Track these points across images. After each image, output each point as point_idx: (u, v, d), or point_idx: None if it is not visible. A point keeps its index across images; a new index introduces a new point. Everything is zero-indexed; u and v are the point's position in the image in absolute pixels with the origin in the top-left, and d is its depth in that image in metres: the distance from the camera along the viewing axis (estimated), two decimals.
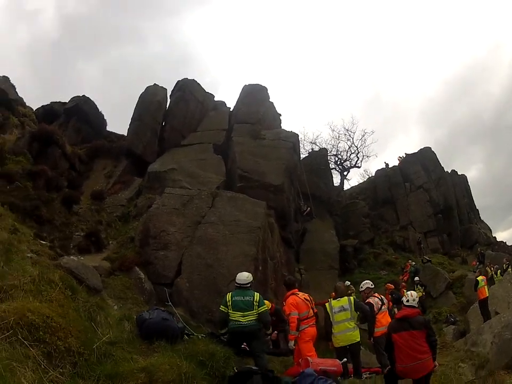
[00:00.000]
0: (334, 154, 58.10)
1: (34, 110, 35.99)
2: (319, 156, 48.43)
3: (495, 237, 61.98)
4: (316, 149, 53.91)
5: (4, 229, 15.81)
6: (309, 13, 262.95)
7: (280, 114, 42.10)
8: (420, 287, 32.40)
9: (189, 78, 39.94)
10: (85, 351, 8.21)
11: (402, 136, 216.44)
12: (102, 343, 9.01)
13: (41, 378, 6.82)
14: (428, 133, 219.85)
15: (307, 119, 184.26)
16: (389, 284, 30.85)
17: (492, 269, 31.03)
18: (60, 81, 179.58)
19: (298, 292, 14.75)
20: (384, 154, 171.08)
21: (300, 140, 42.49)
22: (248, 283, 12.23)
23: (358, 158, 59.34)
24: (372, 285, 16.49)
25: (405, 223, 52.54)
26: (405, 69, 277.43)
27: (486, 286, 24.22)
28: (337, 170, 58.42)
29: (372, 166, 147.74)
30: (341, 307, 13.88)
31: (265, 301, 14.97)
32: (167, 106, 37.40)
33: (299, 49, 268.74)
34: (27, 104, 35.25)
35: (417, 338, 9.40)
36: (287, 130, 36.88)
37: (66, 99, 39.29)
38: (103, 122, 39.16)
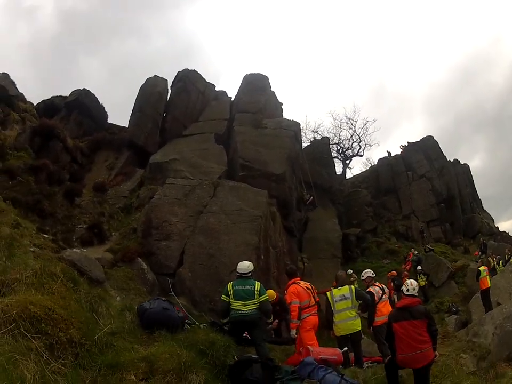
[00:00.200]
0: (336, 143, 58.33)
1: (35, 105, 36.00)
2: (321, 145, 48.39)
3: (497, 227, 61.82)
4: (318, 137, 54.02)
5: (6, 224, 15.86)
6: (312, 1, 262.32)
7: (281, 103, 42.22)
8: (423, 276, 32.45)
9: (189, 69, 39.94)
10: (86, 341, 8.23)
11: (406, 125, 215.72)
12: (103, 333, 9.04)
13: (43, 370, 6.82)
14: (431, 122, 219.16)
15: (309, 108, 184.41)
16: (393, 271, 30.95)
17: (494, 259, 30.93)
18: (62, 76, 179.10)
19: (299, 281, 14.79)
20: (388, 142, 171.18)
21: (301, 128, 42.34)
22: (249, 272, 12.22)
23: (360, 146, 59.64)
24: (373, 273, 16.35)
25: (407, 212, 52.42)
26: (408, 58, 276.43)
27: (488, 276, 24.12)
28: (339, 159, 58.60)
29: (374, 155, 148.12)
30: (342, 296, 13.75)
31: (270, 291, 15.14)
32: (168, 97, 37.43)
33: (302, 38, 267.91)
34: (28, 100, 35.31)
35: (417, 328, 9.34)
36: (289, 119, 36.90)
37: (67, 94, 39.39)
38: (104, 115, 39.18)
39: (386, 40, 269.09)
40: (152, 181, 27.18)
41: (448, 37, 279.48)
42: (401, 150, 59.51)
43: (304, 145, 46.03)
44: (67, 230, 21.18)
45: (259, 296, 11.82)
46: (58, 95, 40.13)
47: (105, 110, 39.44)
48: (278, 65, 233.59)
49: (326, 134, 56.15)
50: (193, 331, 11.24)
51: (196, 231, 20.36)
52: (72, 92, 38.69)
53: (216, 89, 42.12)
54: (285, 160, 29.23)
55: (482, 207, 66.10)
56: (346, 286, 14.12)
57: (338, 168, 56.25)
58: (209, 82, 41.16)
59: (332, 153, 53.95)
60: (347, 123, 59.35)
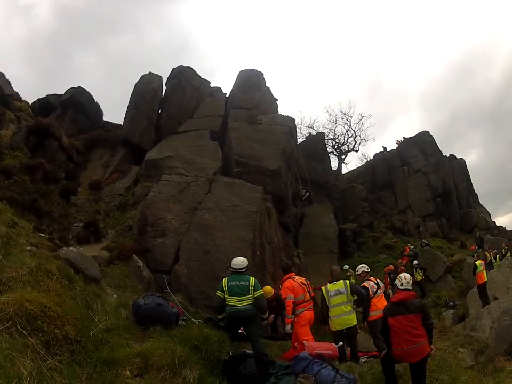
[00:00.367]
0: (331, 138, 58.17)
1: (30, 104, 35.99)
2: (317, 140, 48.40)
3: (494, 221, 61.97)
4: (313, 133, 53.82)
5: (2, 224, 15.99)
6: None
7: (276, 99, 42.13)
8: (420, 271, 32.66)
9: (184, 65, 39.98)
10: (82, 338, 8.34)
11: (401, 120, 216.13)
12: (98, 330, 9.13)
13: (40, 367, 6.93)
14: (428, 117, 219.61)
15: (304, 103, 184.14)
16: (390, 266, 31.12)
17: (491, 253, 31.04)
18: (57, 74, 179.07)
19: (295, 276, 14.91)
20: (384, 138, 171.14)
21: (296, 124, 42.26)
22: (243, 268, 12.28)
23: (356, 141, 59.44)
24: (367, 268, 16.36)
25: (403, 207, 52.57)
26: (405, 53, 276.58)
27: (484, 271, 24.17)
28: (335, 154, 58.46)
29: (370, 150, 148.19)
30: (337, 290, 13.82)
31: (268, 287, 15.27)
32: (163, 93, 37.35)
33: (297, 34, 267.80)
34: (24, 99, 35.28)
35: (413, 322, 9.34)
36: (284, 115, 36.80)
37: (63, 91, 39.29)
38: (100, 113, 39.08)
39: (382, 35, 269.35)
40: (148, 178, 27.21)
41: (446, 32, 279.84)
42: (397, 145, 59.57)
43: (299, 141, 46.16)
44: (63, 228, 21.22)
45: (254, 292, 11.88)
46: (53, 93, 40.09)
47: (101, 107, 39.34)
48: (273, 61, 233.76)
49: (321, 130, 55.98)
50: (187, 327, 11.33)
51: (191, 227, 20.45)
52: (67, 90, 38.58)
53: (211, 85, 42.10)
54: (279, 156, 29.24)
55: (479, 202, 66.21)
56: (341, 281, 14.20)
57: (334, 164, 56.08)
58: (204, 79, 41.11)
59: (327, 149, 53.97)
60: (342, 118, 59.24)
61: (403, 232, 49.10)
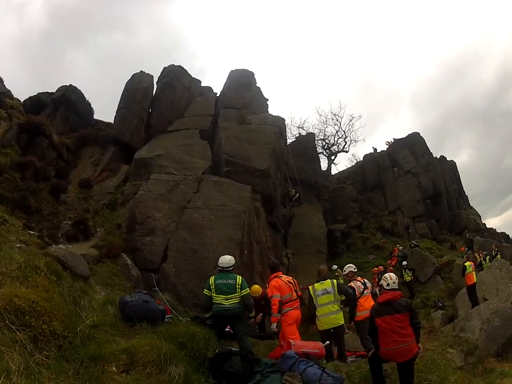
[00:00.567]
0: (321, 139, 58.19)
1: (21, 101, 35.97)
2: (306, 140, 48.67)
3: (484, 223, 62.27)
4: (303, 133, 54.00)
5: None
6: None
7: (267, 99, 42.22)
8: (409, 271, 32.75)
9: (175, 65, 40.09)
10: (69, 334, 8.38)
11: (392, 121, 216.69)
12: (85, 326, 9.19)
13: (28, 362, 7.01)
14: (419, 118, 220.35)
15: (295, 104, 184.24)
16: (380, 266, 31.28)
17: (481, 255, 31.16)
18: (50, 71, 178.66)
19: (282, 275, 15.00)
20: (375, 138, 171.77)
21: (286, 124, 42.42)
22: (230, 266, 12.36)
23: (346, 142, 59.50)
24: (354, 268, 16.41)
25: (393, 207, 52.78)
26: (396, 54, 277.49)
27: (474, 272, 24.25)
28: (325, 155, 58.47)
29: (360, 151, 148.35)
30: (324, 290, 13.87)
31: (256, 286, 15.33)
32: (154, 92, 37.43)
33: (288, 34, 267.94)
34: (16, 96, 35.20)
35: (401, 322, 9.32)
36: (274, 115, 36.94)
37: (55, 89, 39.35)
38: (90, 111, 39.20)
39: (374, 35, 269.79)
40: (137, 177, 27.21)
41: (438, 32, 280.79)
42: (387, 146, 59.83)
43: (289, 141, 46.47)
44: (53, 226, 21.22)
45: (241, 290, 11.97)
46: (45, 91, 40.17)
47: (92, 106, 39.51)
48: (264, 61, 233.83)
49: (311, 130, 56.07)
50: (173, 324, 11.34)
51: (180, 226, 20.48)
52: (58, 88, 38.69)
53: (202, 84, 42.20)
54: (269, 156, 29.31)
55: (469, 204, 66.59)
56: (329, 280, 14.24)
57: (324, 164, 56.33)
58: (194, 78, 41.23)
59: (317, 149, 54.17)
60: (333, 119, 59.27)
61: (392, 233, 49.33)
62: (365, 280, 16.19)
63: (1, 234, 14.60)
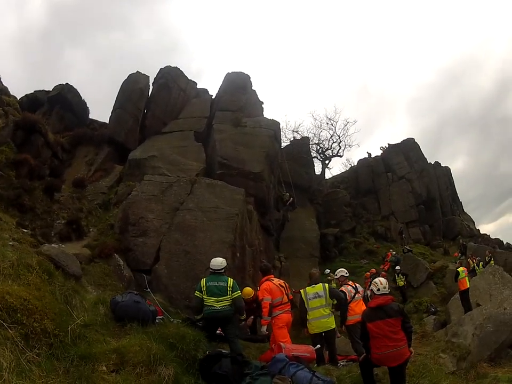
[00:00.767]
0: (315, 143, 58.33)
1: (18, 99, 35.95)
2: (301, 144, 48.83)
3: (478, 229, 62.50)
4: (298, 137, 54.05)
5: None
6: (296, 0, 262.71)
7: (262, 102, 42.24)
8: (402, 276, 32.79)
9: (171, 66, 40.19)
10: (60, 332, 8.40)
11: (388, 126, 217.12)
12: (76, 325, 9.18)
13: (19, 359, 7.03)
14: (415, 124, 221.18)
15: (290, 108, 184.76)
16: (372, 269, 31.38)
17: (474, 260, 31.24)
18: (47, 69, 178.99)
19: (273, 278, 14.94)
20: (369, 143, 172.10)
21: (281, 128, 42.57)
22: (222, 268, 12.35)
23: (340, 147, 59.66)
24: (346, 273, 16.43)
25: (386, 213, 53.00)
26: (393, 60, 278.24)
27: (467, 277, 24.22)
28: (319, 159, 58.60)
29: (354, 156, 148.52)
30: (315, 293, 13.85)
31: (248, 288, 15.36)
32: (150, 93, 37.47)
33: (285, 38, 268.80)
34: (12, 94, 35.24)
35: (393, 327, 9.26)
36: (269, 118, 36.90)
37: (52, 87, 39.38)
38: (86, 110, 39.27)
39: (372, 42, 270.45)
40: (131, 178, 27.25)
41: (436, 39, 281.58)
42: (381, 152, 59.99)
43: (283, 144, 46.54)
44: (46, 225, 21.23)
45: (232, 293, 11.96)
46: (42, 89, 40.19)
47: (87, 105, 39.64)
48: (260, 64, 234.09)
49: (306, 134, 56.27)
50: (164, 325, 11.39)
51: (172, 228, 20.50)
52: (55, 87, 38.80)
53: (198, 86, 42.39)
54: (263, 159, 29.33)
55: (463, 210, 66.82)
56: (320, 284, 14.22)
57: (318, 168, 56.49)
58: (191, 80, 41.39)
59: (312, 153, 54.34)
60: (327, 123, 59.47)
61: (385, 238, 49.46)
62: (357, 284, 16.16)
63: None
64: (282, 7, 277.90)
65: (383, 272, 33.20)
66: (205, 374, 9.71)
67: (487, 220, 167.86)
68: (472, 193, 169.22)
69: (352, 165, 65.00)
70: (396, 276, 32.68)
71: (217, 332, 12.66)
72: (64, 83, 38.88)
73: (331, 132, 59.30)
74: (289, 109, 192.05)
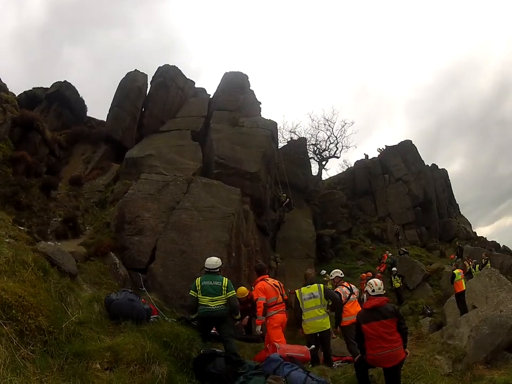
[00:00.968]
0: (313, 144, 58.10)
1: (16, 96, 35.92)
2: (298, 145, 48.93)
3: (475, 232, 62.82)
4: (295, 138, 53.99)
5: None
6: (295, 1, 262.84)
7: (260, 103, 42.21)
8: (398, 278, 32.82)
9: (170, 65, 40.22)
10: (54, 330, 8.41)
11: (386, 128, 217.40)
12: (71, 322, 9.22)
13: (13, 355, 7.04)
14: (413, 126, 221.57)
15: (288, 108, 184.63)
16: (369, 272, 31.38)
17: (470, 263, 31.33)
18: (46, 66, 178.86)
19: (268, 278, 14.99)
20: (366, 145, 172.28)
21: (278, 128, 42.07)
22: (217, 268, 12.36)
23: (337, 148, 59.44)
24: (341, 274, 16.48)
25: (383, 214, 53.10)
26: (392, 62, 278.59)
27: (463, 280, 24.30)
28: (316, 160, 58.42)
29: (351, 157, 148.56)
30: (310, 294, 13.81)
31: (242, 288, 15.33)
32: (148, 92, 37.48)
33: (284, 38, 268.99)
34: (11, 90, 35.16)
35: (388, 328, 9.25)
36: (266, 118, 36.85)
37: (50, 85, 39.29)
38: (84, 108, 39.10)
39: (371, 43, 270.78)
40: (127, 176, 27.21)
41: (435, 41, 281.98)
42: (378, 153, 60.06)
43: (281, 145, 46.37)
44: (42, 222, 21.21)
45: (227, 292, 11.98)
46: (40, 86, 40.09)
47: (85, 103, 39.43)
48: (259, 64, 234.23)
49: (303, 135, 55.97)
50: (158, 323, 11.46)
51: (168, 227, 20.46)
52: (53, 84, 38.55)
53: (196, 85, 42.48)
54: (260, 159, 29.33)
55: (460, 212, 66.96)
56: (315, 285, 14.18)
57: (315, 169, 56.32)
58: (189, 79, 41.48)
59: (309, 154, 54.34)
60: (325, 124, 59.20)
61: (382, 240, 49.52)
62: (352, 285, 16.19)
63: None
64: (282, 7, 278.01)
65: (378, 274, 33.19)
66: (198, 373, 9.76)
67: (483, 222, 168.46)
68: (469, 195, 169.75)
69: (349, 166, 65.13)
70: (392, 278, 32.73)
71: (212, 331, 12.68)
72: (62, 80, 38.77)
73: (328, 132, 59.17)
74: (287, 109, 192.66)
